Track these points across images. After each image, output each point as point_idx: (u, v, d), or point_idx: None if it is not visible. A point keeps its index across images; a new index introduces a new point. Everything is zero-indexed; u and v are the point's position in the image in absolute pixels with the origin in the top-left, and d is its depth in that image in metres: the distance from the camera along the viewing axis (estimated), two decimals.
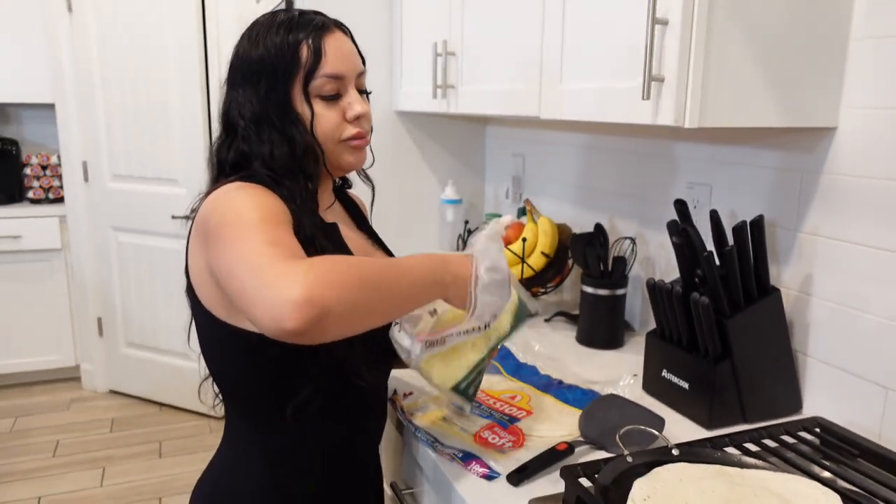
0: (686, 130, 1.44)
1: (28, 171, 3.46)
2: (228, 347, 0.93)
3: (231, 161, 0.95)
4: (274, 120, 0.92)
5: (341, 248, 0.99)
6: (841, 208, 1.12)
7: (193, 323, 0.97)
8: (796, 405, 1.20)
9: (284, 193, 0.89)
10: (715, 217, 1.17)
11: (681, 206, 1.23)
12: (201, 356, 0.99)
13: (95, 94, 3.12)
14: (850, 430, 1.07)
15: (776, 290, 1.15)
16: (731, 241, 1.14)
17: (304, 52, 0.92)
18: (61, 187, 3.44)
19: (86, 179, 3.25)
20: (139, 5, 2.95)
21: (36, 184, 3.47)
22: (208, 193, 0.90)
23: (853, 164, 1.09)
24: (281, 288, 0.68)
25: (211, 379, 1.01)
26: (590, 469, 0.92)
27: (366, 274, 0.76)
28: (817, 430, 1.09)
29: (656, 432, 1.02)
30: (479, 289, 0.91)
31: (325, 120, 0.94)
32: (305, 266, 0.71)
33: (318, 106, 0.94)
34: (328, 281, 0.70)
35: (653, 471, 0.90)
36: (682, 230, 1.17)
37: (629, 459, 0.93)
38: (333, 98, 0.95)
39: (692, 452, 0.96)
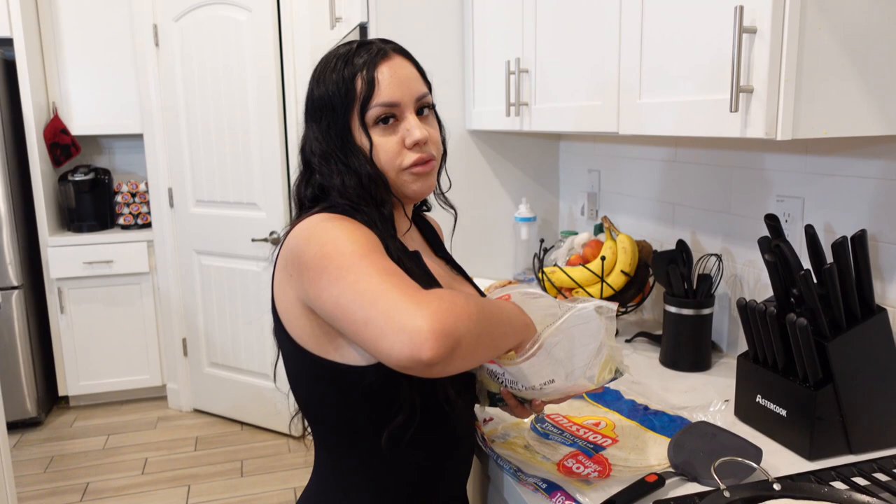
0: (775, 141, 1.37)
1: (119, 198, 3.65)
2: (320, 380, 0.92)
3: (310, 196, 0.97)
4: (338, 153, 0.93)
5: (427, 276, 0.98)
6: None
7: (281, 359, 0.97)
8: None
9: (365, 219, 0.90)
10: (811, 232, 1.10)
11: (772, 221, 1.16)
12: (290, 393, 0.99)
13: (180, 123, 3.27)
14: None
15: (882, 310, 1.07)
16: (828, 257, 1.07)
17: (359, 83, 0.92)
18: (149, 213, 3.61)
19: (171, 205, 3.39)
20: (220, 39, 3.07)
21: (126, 210, 3.64)
22: (292, 227, 0.91)
23: None
24: (416, 317, 0.69)
25: (301, 413, 1.01)
26: None
27: (481, 309, 0.77)
28: None
29: (754, 464, 0.96)
30: (537, 350, 0.87)
31: (383, 149, 0.94)
32: (435, 296, 0.72)
33: (377, 135, 0.94)
34: (457, 313, 0.71)
35: None
36: (774, 247, 1.11)
37: (726, 494, 0.88)
38: (391, 125, 0.94)
39: (796, 487, 0.89)
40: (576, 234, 1.90)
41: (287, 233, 0.91)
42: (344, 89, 0.93)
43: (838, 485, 0.94)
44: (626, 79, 1.26)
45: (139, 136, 3.59)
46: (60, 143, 3.50)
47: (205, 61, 3.13)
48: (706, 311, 1.44)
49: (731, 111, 0.95)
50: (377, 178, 0.94)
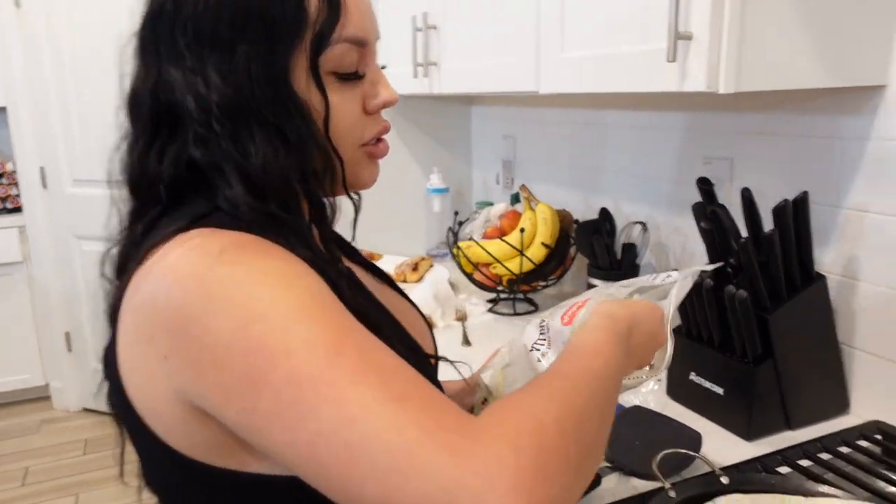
0: (701, 98, 1.29)
1: None
2: (211, 495, 0.56)
3: (170, 177, 0.57)
4: (263, 110, 0.56)
5: (371, 304, 0.67)
6: (892, 178, 0.97)
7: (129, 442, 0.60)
8: (842, 405, 1.06)
9: (290, 241, 0.54)
10: (747, 196, 1.02)
11: (705, 185, 1.08)
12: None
13: (49, 94, 2.91)
14: None
15: (821, 277, 1.00)
16: (767, 223, 0.99)
17: (313, 0, 0.57)
18: (19, 196, 3.23)
19: (44, 186, 3.04)
20: None
21: None
22: (137, 244, 0.57)
23: None
24: (478, 489, 0.39)
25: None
26: None
27: (569, 412, 0.47)
28: (878, 436, 0.95)
29: (695, 454, 0.87)
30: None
31: (343, 112, 0.60)
32: (504, 440, 0.42)
33: (333, 89, 0.59)
34: (537, 464, 0.42)
35: None
36: (710, 213, 1.02)
37: (672, 494, 0.78)
38: (352, 78, 0.61)
39: (745, 479, 0.81)
40: (491, 204, 1.78)
41: (125, 252, 0.59)
42: (291, 4, 0.56)
43: (785, 470, 0.87)
44: (546, 31, 1.13)
45: (2, 110, 3.19)
46: None
47: (76, 23, 2.78)
48: None
49: (668, 61, 0.84)
50: (329, 159, 0.60)
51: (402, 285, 1.82)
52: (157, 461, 0.57)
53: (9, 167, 3.27)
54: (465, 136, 2.16)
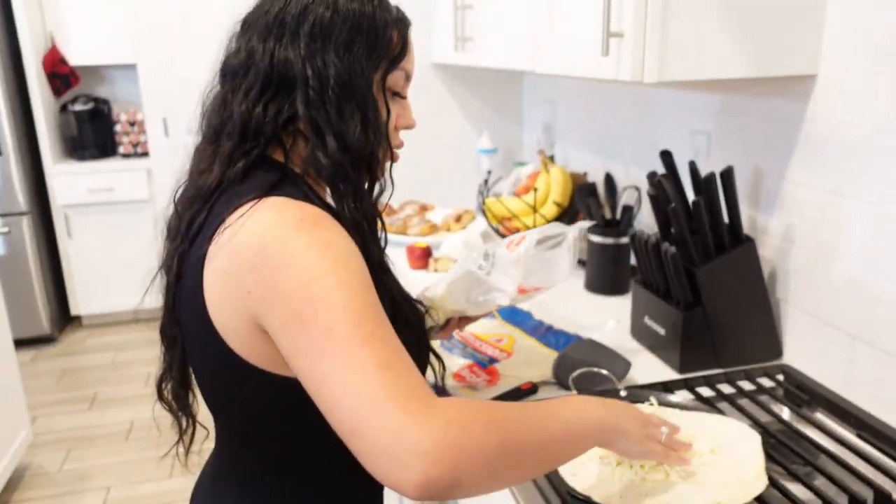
0: (690, 81, 1.43)
1: (118, 127, 3.77)
2: (282, 397, 0.75)
3: (270, 129, 0.76)
4: (360, 97, 0.76)
5: (392, 278, 0.86)
6: (821, 157, 1.10)
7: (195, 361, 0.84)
8: (775, 352, 1.22)
9: (349, 208, 0.76)
10: (693, 168, 1.18)
11: (666, 157, 1.25)
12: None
13: (174, 51, 3.33)
14: (811, 378, 1.09)
15: (749, 240, 1.16)
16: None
17: (395, 35, 0.80)
18: (147, 142, 3.73)
19: (166, 134, 3.51)
20: None
21: (126, 139, 3.77)
22: (227, 188, 0.75)
23: (834, 112, 1.07)
24: (410, 447, 0.59)
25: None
26: None
27: (508, 433, 0.64)
28: (780, 377, 1.11)
29: (606, 372, 1.08)
30: None
31: (390, 120, 0.82)
32: (442, 421, 0.60)
33: (390, 102, 0.82)
34: (466, 447, 0.60)
35: None
36: (657, 182, 1.20)
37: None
38: (398, 97, 0.84)
39: (636, 395, 1.01)
40: (524, 164, 1.99)
41: (214, 187, 0.76)
42: (383, 31, 0.78)
43: (684, 393, 1.06)
44: (543, 15, 1.32)
45: (133, 67, 3.67)
46: (59, 73, 3.60)
47: None
48: (624, 241, 1.54)
49: (602, 55, 1.03)
50: (388, 150, 0.82)
51: (444, 233, 2.07)
52: (225, 367, 0.76)
53: (139, 116, 3.77)
54: (518, 101, 2.35)
